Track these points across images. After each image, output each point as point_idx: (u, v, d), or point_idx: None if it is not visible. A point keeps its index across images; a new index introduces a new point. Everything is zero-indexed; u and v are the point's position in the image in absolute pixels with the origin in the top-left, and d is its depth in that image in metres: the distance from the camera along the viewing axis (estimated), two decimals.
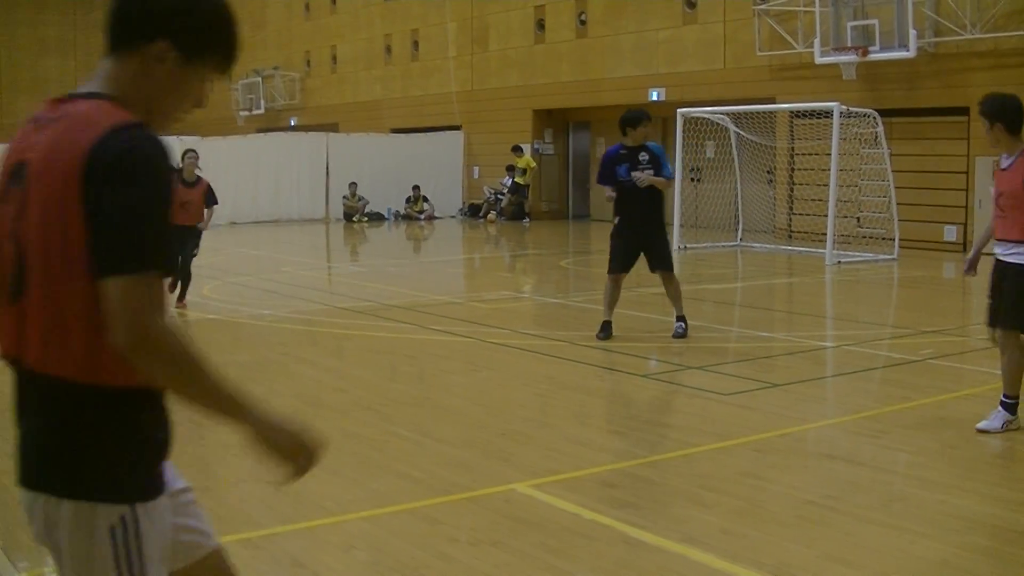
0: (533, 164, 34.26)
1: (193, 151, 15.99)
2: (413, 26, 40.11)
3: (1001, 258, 8.35)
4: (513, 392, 10.22)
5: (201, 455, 8.04)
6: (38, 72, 56.61)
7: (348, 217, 35.38)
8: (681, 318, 12.56)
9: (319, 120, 44.13)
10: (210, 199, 15.85)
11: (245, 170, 34.09)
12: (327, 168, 36.05)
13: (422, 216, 35.77)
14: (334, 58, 45.10)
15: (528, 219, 34.03)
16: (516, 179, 34.21)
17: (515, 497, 6.88)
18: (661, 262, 12.44)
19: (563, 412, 9.40)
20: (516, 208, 34.32)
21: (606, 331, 12.40)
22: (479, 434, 8.54)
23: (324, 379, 11.03)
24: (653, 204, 12.35)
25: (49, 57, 57.01)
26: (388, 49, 41.64)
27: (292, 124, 46.02)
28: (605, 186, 12.50)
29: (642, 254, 12.41)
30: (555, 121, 35.21)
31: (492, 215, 34.58)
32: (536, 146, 34.81)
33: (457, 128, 37.71)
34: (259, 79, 48.05)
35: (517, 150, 34.07)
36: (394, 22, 41.18)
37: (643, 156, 12.15)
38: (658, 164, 12.15)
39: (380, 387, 10.51)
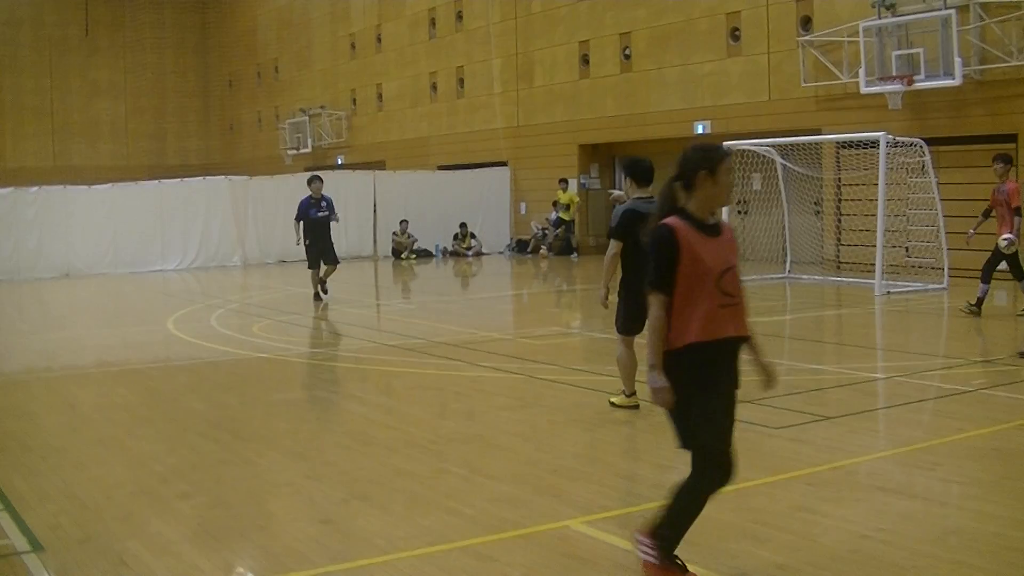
0: (576, 199, 34.26)
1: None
2: (458, 63, 40.33)
3: None
4: (563, 428, 10.21)
5: (256, 493, 8.10)
6: (90, 114, 57.44)
7: (396, 254, 35.54)
8: None
9: (366, 158, 44.41)
10: None
11: (294, 208, 34.18)
12: (375, 205, 36.19)
13: (470, 252, 35.87)
14: (380, 96, 45.37)
15: (576, 254, 34.01)
16: (560, 214, 34.24)
17: (568, 534, 6.88)
18: None
19: (614, 448, 9.39)
20: (563, 243, 34.34)
21: None
22: (530, 470, 8.54)
23: (374, 416, 11.06)
24: None
25: (100, 100, 57.79)
26: (434, 86, 41.87)
27: (339, 162, 46.31)
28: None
29: None
30: (601, 155, 35.26)
31: (543, 250, 34.56)
32: (583, 180, 34.84)
33: (504, 164, 37.82)
34: (306, 118, 48.44)
35: (563, 183, 34.13)
36: (439, 59, 41.43)
37: None
38: None
39: (430, 424, 10.53)
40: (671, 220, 5.72)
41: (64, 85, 57.01)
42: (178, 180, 34.76)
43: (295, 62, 52.04)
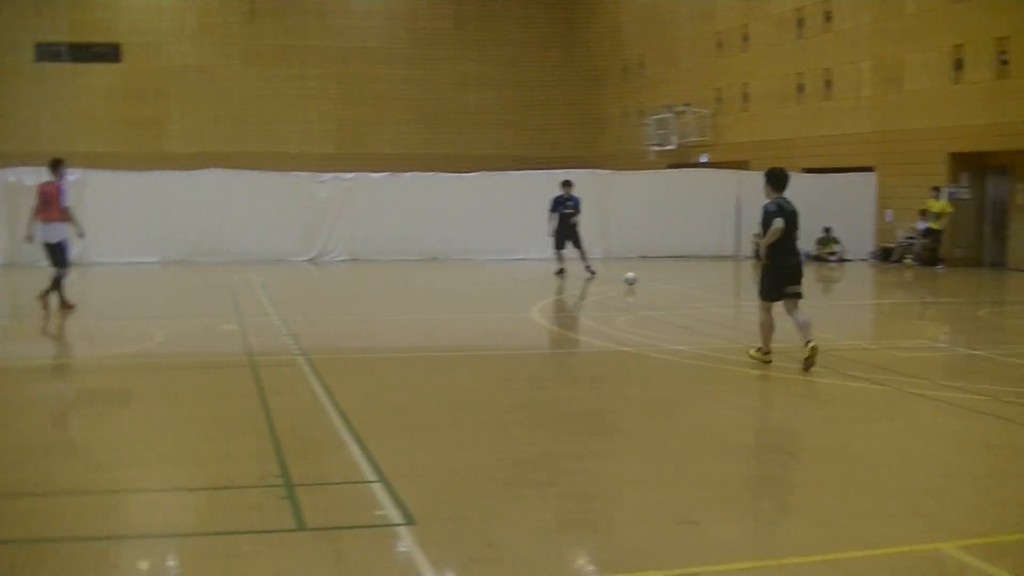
0: (949, 209, 32.99)
1: None
2: (826, 65, 39.58)
3: None
4: (934, 445, 9.94)
5: (611, 488, 8.24)
6: (457, 104, 59.62)
7: (758, 255, 35.25)
8: None
9: (729, 157, 44.20)
10: None
11: (655, 204, 34.71)
12: (738, 205, 35.99)
13: (833, 258, 35.24)
14: (745, 95, 45.06)
15: (942, 265, 32.86)
16: (930, 224, 33.10)
17: (941, 557, 6.71)
18: None
19: (985, 470, 9.07)
20: (930, 253, 33.24)
21: None
22: (898, 486, 8.36)
23: (735, 418, 11.04)
24: None
25: (468, 91, 59.84)
26: (800, 87, 41.24)
27: (703, 160, 46.27)
28: None
29: None
30: (971, 165, 33.91)
31: (908, 259, 33.59)
32: (951, 190, 33.57)
33: (870, 169, 36.93)
34: (670, 115, 48.57)
35: (935, 191, 32.98)
36: (806, 60, 40.79)
37: None
38: None
39: (791, 430, 10.45)
40: None
41: (433, 76, 59.23)
42: (544, 172, 35.55)
43: (661, 59, 52.25)
